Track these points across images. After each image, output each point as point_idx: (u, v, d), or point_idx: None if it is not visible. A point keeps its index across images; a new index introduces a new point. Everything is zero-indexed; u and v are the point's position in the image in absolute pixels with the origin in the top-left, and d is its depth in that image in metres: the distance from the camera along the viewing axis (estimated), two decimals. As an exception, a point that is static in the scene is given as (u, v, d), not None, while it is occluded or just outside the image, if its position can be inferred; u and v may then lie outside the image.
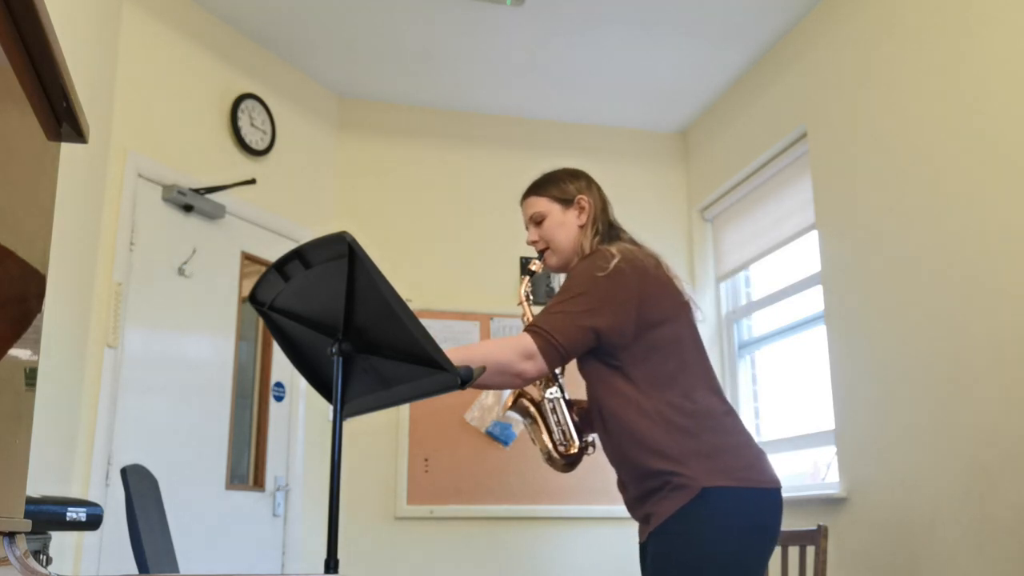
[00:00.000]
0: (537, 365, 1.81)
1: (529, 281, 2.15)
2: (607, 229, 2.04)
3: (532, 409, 2.05)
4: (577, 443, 2.04)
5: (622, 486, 1.95)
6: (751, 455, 1.83)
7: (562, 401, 2.06)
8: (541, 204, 2.07)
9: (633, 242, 2.02)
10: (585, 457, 2.06)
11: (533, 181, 2.13)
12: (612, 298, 1.84)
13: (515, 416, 2.09)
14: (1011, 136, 2.63)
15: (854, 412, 3.27)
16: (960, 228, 2.80)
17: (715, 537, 1.74)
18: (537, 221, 2.07)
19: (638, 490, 1.85)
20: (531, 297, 2.18)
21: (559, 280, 2.27)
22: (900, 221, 3.08)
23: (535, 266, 2.10)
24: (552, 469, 2.10)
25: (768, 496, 1.80)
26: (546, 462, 2.07)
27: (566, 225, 2.04)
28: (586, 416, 2.05)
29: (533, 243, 2.09)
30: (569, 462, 2.05)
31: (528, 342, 1.80)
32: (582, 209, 2.04)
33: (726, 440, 1.82)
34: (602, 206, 2.07)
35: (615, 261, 1.86)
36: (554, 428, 2.05)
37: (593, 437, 2.05)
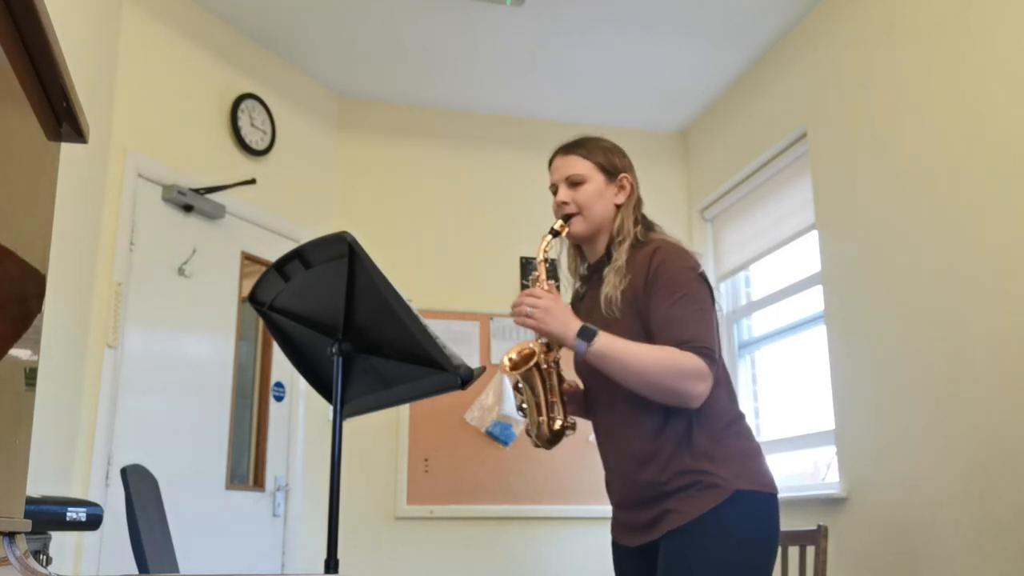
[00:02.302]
0: (708, 386, 1.73)
1: (551, 242, 1.93)
2: (643, 218, 1.96)
3: (537, 378, 1.89)
4: (562, 420, 1.89)
5: (621, 482, 1.87)
6: (764, 460, 1.83)
7: (556, 375, 1.91)
8: (583, 167, 1.93)
9: (664, 235, 1.94)
10: (564, 437, 1.91)
11: (574, 140, 1.98)
12: (709, 298, 1.81)
13: (518, 385, 1.91)
14: (1011, 136, 2.63)
15: (854, 412, 3.27)
16: (960, 228, 2.80)
17: (738, 541, 1.71)
18: (574, 183, 1.92)
19: (656, 489, 1.77)
20: (549, 261, 1.94)
21: (561, 278, 2.12)
22: (900, 221, 3.08)
23: (559, 226, 1.91)
24: (538, 450, 1.92)
25: (775, 502, 1.80)
26: (532, 435, 1.92)
27: (605, 198, 1.92)
28: (574, 397, 1.95)
29: (563, 204, 1.92)
30: (553, 438, 1.90)
31: (702, 365, 1.71)
32: (622, 188, 1.94)
33: (747, 444, 1.81)
34: (638, 194, 1.98)
35: (695, 256, 1.82)
36: (549, 400, 1.90)
37: (574, 419, 1.92)
